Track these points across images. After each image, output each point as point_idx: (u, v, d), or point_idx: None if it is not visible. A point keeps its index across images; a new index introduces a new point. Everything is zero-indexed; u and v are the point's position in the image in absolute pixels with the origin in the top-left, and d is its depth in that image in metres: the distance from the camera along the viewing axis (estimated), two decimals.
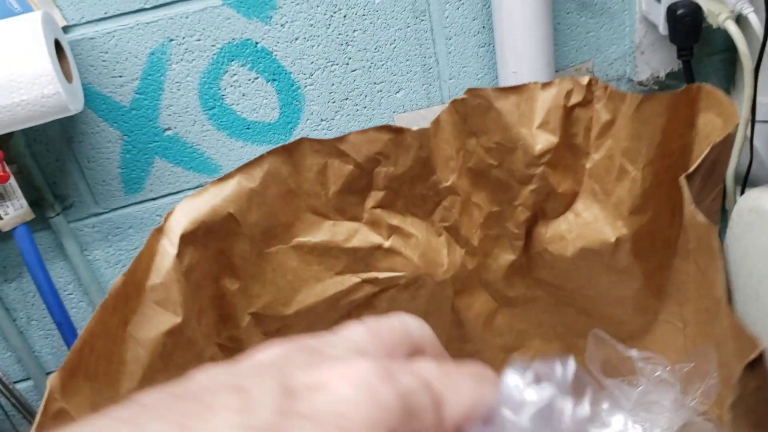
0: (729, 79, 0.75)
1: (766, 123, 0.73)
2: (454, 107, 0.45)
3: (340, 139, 0.46)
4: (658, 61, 0.72)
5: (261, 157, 0.45)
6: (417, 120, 0.75)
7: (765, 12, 0.67)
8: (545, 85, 0.44)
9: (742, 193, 0.74)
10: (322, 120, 0.74)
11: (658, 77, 0.73)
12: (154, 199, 0.73)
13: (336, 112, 0.74)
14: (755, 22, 0.67)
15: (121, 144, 0.69)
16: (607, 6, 0.71)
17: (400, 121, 0.74)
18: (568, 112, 0.44)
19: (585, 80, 0.43)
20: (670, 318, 0.50)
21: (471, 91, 0.44)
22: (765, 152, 0.73)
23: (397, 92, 0.73)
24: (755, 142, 0.73)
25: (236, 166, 0.77)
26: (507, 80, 0.71)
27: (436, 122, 0.45)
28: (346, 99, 0.73)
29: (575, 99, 0.44)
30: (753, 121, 0.71)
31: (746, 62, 0.68)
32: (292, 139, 0.74)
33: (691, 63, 0.71)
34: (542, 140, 0.44)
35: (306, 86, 0.72)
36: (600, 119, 0.44)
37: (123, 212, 0.74)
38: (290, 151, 0.45)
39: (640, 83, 0.74)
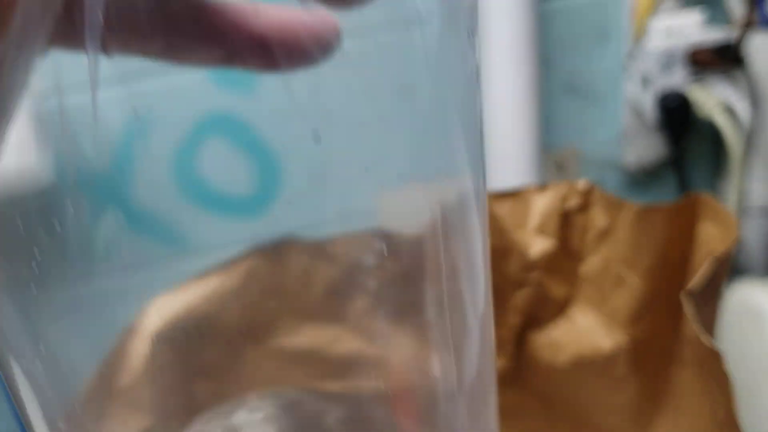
0: (717, 167, 0.75)
1: (754, 212, 0.72)
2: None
3: (328, 241, 0.43)
4: (645, 147, 0.72)
5: (242, 255, 0.42)
6: (403, 197, 0.73)
7: (751, 103, 0.67)
8: (541, 189, 0.42)
9: (729, 281, 0.72)
10: (300, 196, 0.72)
11: (645, 163, 0.73)
12: (115, 270, 0.70)
13: (316, 189, 0.72)
14: (743, 112, 0.67)
15: None
16: (595, 91, 0.71)
17: (385, 199, 0.72)
18: (565, 217, 0.42)
19: (581, 185, 0.42)
20: (667, 427, 0.48)
21: None
22: (753, 241, 0.72)
23: (379, 167, 0.72)
24: (744, 231, 0.72)
25: (209, 241, 0.74)
26: (492, 159, 0.70)
27: (429, 227, 0.43)
28: (327, 175, 0.71)
29: (571, 204, 0.42)
30: (741, 210, 0.71)
31: (734, 152, 0.68)
32: (269, 215, 0.71)
33: (679, 150, 0.70)
34: (538, 244, 0.42)
35: (285, 161, 0.70)
36: (596, 225, 0.42)
37: (82, 284, 0.70)
38: (273, 250, 0.43)
39: (627, 168, 0.73)
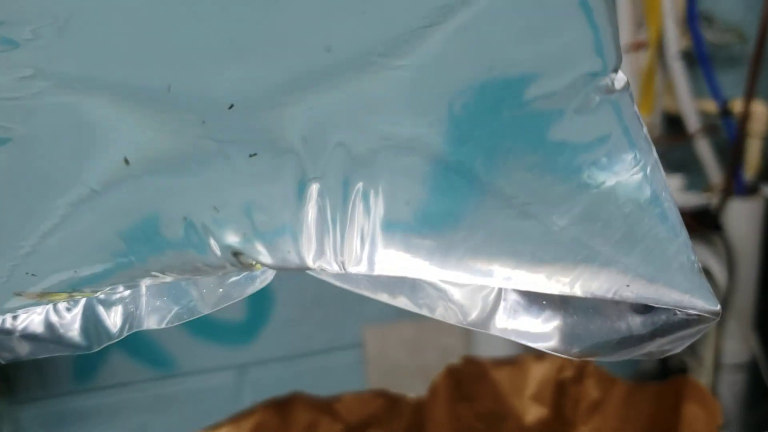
0: None
1: (728, 369, 0.75)
2: (449, 372, 0.45)
3: (335, 398, 0.45)
4: None
5: (251, 409, 0.43)
6: (385, 333, 0.75)
7: (727, 266, 0.71)
8: (539, 358, 0.44)
9: None
10: (290, 323, 0.73)
11: None
12: (103, 388, 0.70)
13: (304, 316, 0.73)
14: (719, 274, 0.71)
15: None
16: None
17: (369, 333, 0.74)
18: (559, 386, 0.44)
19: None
20: None
21: (467, 359, 0.45)
22: (728, 397, 0.75)
23: (365, 303, 0.74)
24: (719, 387, 0.74)
25: (196, 365, 0.74)
26: None
27: (433, 390, 0.45)
28: (316, 303, 0.73)
29: (567, 374, 0.44)
30: (716, 366, 0.74)
31: None
32: (257, 340, 0.73)
33: None
34: (533, 411, 0.44)
35: (276, 288, 0.72)
36: (589, 396, 0.44)
37: (69, 399, 0.70)
38: (282, 405, 0.44)
39: None
